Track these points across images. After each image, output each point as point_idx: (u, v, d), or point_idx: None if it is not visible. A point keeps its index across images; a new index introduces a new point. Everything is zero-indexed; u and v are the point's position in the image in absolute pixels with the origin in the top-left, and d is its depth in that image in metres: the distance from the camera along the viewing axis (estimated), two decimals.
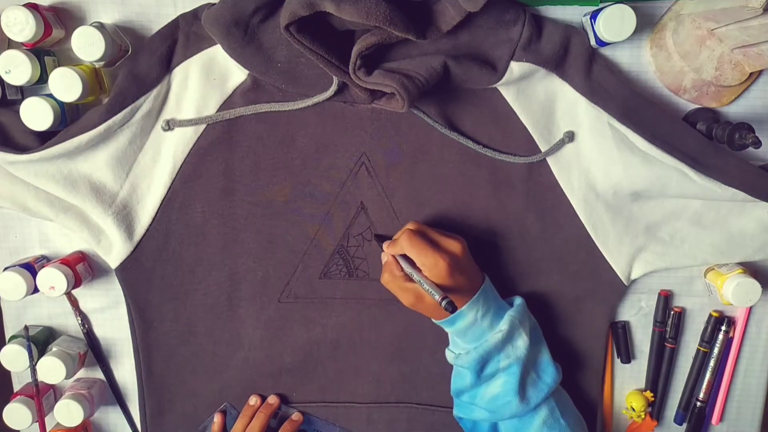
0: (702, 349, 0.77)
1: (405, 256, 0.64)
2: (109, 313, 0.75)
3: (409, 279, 0.64)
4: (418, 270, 0.63)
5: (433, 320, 0.67)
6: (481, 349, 0.64)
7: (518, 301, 0.69)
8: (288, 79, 0.66)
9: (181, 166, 0.68)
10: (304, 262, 0.72)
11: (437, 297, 0.60)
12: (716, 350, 0.77)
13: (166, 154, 0.68)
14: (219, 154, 0.69)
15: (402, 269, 0.64)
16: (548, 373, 0.68)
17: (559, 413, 0.67)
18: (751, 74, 0.67)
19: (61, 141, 0.64)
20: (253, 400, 0.75)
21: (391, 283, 0.65)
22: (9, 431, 0.72)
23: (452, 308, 0.59)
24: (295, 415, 0.76)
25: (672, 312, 0.76)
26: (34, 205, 0.68)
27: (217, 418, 0.75)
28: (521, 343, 0.65)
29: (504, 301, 0.69)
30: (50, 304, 0.74)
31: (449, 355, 0.69)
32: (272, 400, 0.75)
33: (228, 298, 0.72)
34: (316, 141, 0.69)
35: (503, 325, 0.65)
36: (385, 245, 0.68)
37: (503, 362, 0.65)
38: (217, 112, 0.67)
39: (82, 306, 0.75)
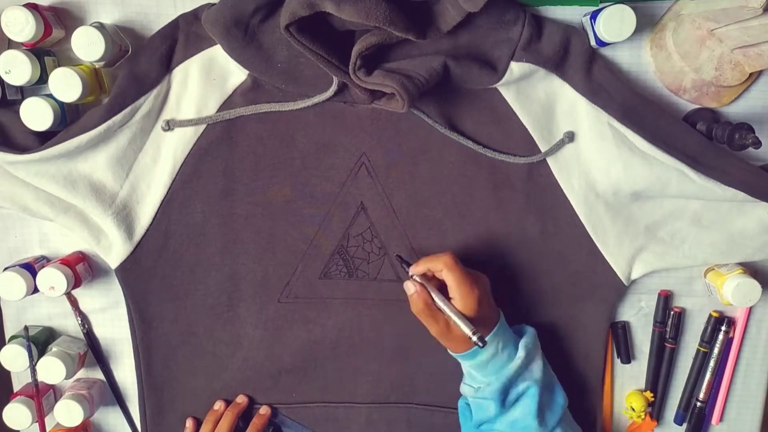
0: (702, 349, 0.77)
1: (435, 285, 0.64)
2: (109, 313, 0.75)
3: (438, 308, 0.63)
4: (449, 300, 0.63)
5: (451, 353, 0.67)
6: (504, 379, 0.65)
7: (529, 329, 0.69)
8: (288, 79, 0.66)
9: (181, 166, 0.68)
10: (304, 263, 0.72)
11: (468, 331, 0.60)
12: (716, 350, 0.77)
13: (166, 154, 0.68)
14: (219, 154, 0.69)
15: (433, 299, 0.63)
16: (560, 394, 0.69)
17: None
18: (751, 74, 0.67)
19: (61, 141, 0.64)
20: (218, 405, 0.74)
21: (424, 312, 0.63)
22: (9, 431, 0.72)
23: (483, 344, 0.60)
24: (263, 409, 0.75)
25: (672, 312, 0.76)
26: (34, 205, 0.68)
27: (189, 423, 0.75)
28: (536, 367, 0.66)
29: (512, 329, 0.69)
30: (50, 304, 0.74)
31: (467, 390, 0.68)
32: (240, 399, 0.75)
33: (228, 298, 0.72)
34: (316, 141, 0.69)
35: (520, 352, 0.65)
36: (412, 268, 0.65)
37: (521, 386, 0.66)
38: (217, 112, 0.67)
39: (82, 306, 0.75)
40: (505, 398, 0.66)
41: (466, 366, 0.68)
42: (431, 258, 0.64)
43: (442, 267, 0.63)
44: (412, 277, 0.65)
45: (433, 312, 0.63)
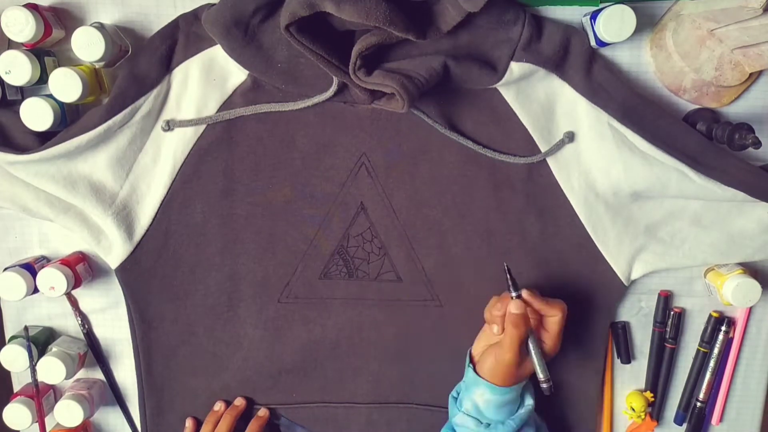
0: (702, 349, 0.77)
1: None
2: (109, 313, 0.75)
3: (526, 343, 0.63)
4: (541, 343, 0.64)
5: (480, 376, 0.64)
6: (518, 419, 0.65)
7: (529, 400, 0.68)
8: (288, 79, 0.66)
9: (181, 167, 0.68)
10: (304, 263, 0.72)
11: (542, 376, 0.62)
12: (716, 350, 0.77)
13: (166, 155, 0.68)
14: (219, 155, 0.69)
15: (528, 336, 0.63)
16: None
17: None
18: (751, 74, 0.67)
19: (61, 141, 0.64)
20: (218, 406, 0.74)
21: (515, 337, 0.61)
22: (9, 431, 0.72)
23: (550, 393, 0.62)
24: (261, 411, 0.75)
25: (672, 312, 0.76)
26: (34, 205, 0.68)
27: (188, 423, 0.75)
28: (537, 417, 0.69)
29: None
30: (50, 304, 0.74)
31: (468, 421, 0.65)
32: (238, 402, 0.75)
33: (228, 299, 0.72)
34: (316, 141, 0.69)
35: (528, 400, 0.67)
36: (525, 293, 0.63)
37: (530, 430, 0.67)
38: (217, 112, 0.67)
39: (82, 306, 0.75)
40: None
41: (484, 396, 0.64)
42: (550, 302, 0.63)
43: (557, 314, 0.63)
44: (519, 296, 0.63)
45: (521, 340, 0.62)
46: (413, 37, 0.58)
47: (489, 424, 0.65)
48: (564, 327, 0.64)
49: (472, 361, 0.67)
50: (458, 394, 0.68)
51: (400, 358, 0.75)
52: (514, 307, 0.62)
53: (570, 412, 0.76)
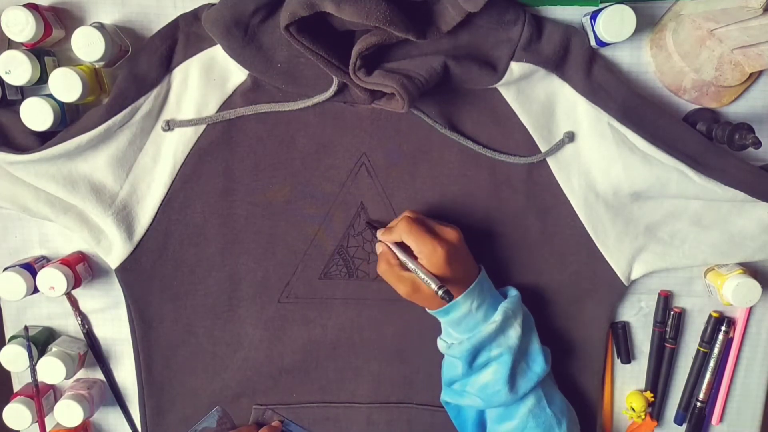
0: (702, 349, 0.77)
1: (400, 245, 0.64)
2: (109, 313, 0.75)
3: (405, 268, 0.64)
4: (415, 259, 0.63)
5: (428, 310, 0.67)
6: (474, 340, 0.64)
7: (513, 292, 0.69)
8: (288, 79, 0.66)
9: (181, 167, 0.68)
10: (304, 263, 0.72)
11: (434, 286, 0.60)
12: (716, 350, 0.77)
13: (166, 155, 0.68)
14: (219, 155, 0.69)
15: (398, 258, 0.64)
16: (537, 362, 0.68)
17: (546, 402, 0.68)
18: (751, 74, 0.67)
19: (61, 141, 0.64)
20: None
21: (388, 273, 0.65)
22: (9, 431, 0.72)
23: (449, 297, 0.59)
24: (275, 422, 0.76)
25: (672, 312, 0.76)
26: (35, 205, 0.68)
27: None
28: (513, 333, 0.66)
29: (498, 291, 0.69)
30: (50, 304, 0.74)
31: (441, 345, 0.69)
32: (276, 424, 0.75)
33: (228, 299, 0.72)
34: (316, 141, 0.69)
35: (497, 316, 0.65)
36: (379, 233, 0.68)
37: (494, 351, 0.65)
38: (217, 112, 0.67)
39: (82, 306, 0.75)
40: (473, 360, 0.66)
41: (442, 322, 0.68)
42: (389, 229, 0.66)
43: (399, 235, 0.64)
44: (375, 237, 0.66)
45: (396, 272, 0.64)
46: (413, 37, 0.58)
47: (452, 344, 0.67)
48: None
49: None
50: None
51: (400, 358, 0.75)
52: (376, 251, 0.68)
53: (570, 411, 0.76)
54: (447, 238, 0.64)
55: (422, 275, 0.61)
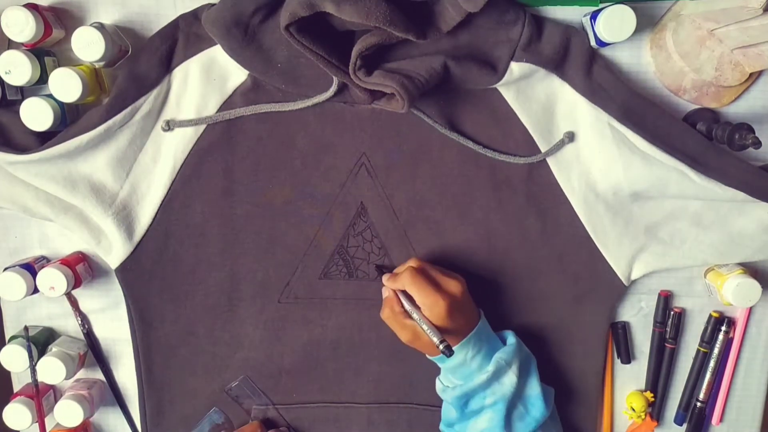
0: (702, 349, 0.77)
1: (405, 293, 0.65)
2: (109, 313, 0.75)
3: (409, 316, 0.64)
4: (418, 308, 0.63)
5: (427, 356, 0.68)
6: (465, 388, 0.65)
7: (511, 339, 0.69)
8: (288, 79, 0.66)
9: (181, 167, 0.68)
10: (304, 263, 0.72)
11: (435, 339, 0.61)
12: (716, 351, 0.77)
13: (166, 155, 0.68)
14: (219, 155, 0.69)
15: (402, 305, 0.64)
16: (536, 407, 0.68)
17: None
18: (751, 74, 0.67)
19: (61, 141, 0.64)
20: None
21: (391, 319, 0.66)
22: (9, 431, 0.72)
23: (450, 353, 0.60)
24: (282, 429, 0.76)
25: (672, 312, 0.76)
26: (34, 205, 0.68)
27: None
28: (508, 381, 0.66)
29: (498, 335, 0.69)
30: (50, 304, 0.74)
31: (438, 386, 0.69)
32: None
33: (228, 299, 0.72)
34: (316, 141, 0.69)
35: (490, 366, 0.65)
36: (385, 278, 0.68)
37: (489, 399, 0.66)
38: (217, 112, 0.67)
39: (82, 306, 0.75)
40: (465, 406, 0.67)
41: (441, 367, 0.68)
42: (393, 277, 0.66)
43: (402, 286, 0.64)
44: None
45: (400, 320, 0.65)
46: (413, 37, 0.58)
47: (447, 388, 0.68)
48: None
49: None
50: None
51: (400, 358, 0.75)
52: (383, 293, 0.69)
53: (570, 412, 0.76)
54: (450, 290, 0.64)
55: (424, 327, 0.62)
